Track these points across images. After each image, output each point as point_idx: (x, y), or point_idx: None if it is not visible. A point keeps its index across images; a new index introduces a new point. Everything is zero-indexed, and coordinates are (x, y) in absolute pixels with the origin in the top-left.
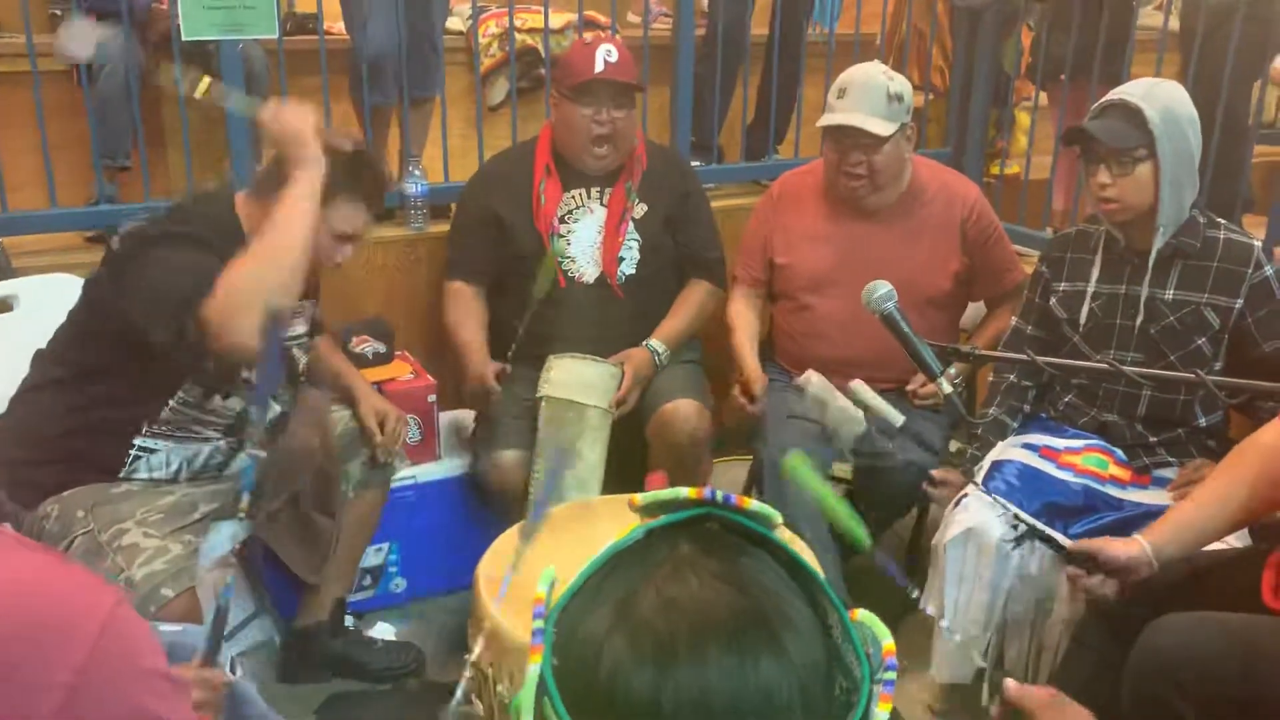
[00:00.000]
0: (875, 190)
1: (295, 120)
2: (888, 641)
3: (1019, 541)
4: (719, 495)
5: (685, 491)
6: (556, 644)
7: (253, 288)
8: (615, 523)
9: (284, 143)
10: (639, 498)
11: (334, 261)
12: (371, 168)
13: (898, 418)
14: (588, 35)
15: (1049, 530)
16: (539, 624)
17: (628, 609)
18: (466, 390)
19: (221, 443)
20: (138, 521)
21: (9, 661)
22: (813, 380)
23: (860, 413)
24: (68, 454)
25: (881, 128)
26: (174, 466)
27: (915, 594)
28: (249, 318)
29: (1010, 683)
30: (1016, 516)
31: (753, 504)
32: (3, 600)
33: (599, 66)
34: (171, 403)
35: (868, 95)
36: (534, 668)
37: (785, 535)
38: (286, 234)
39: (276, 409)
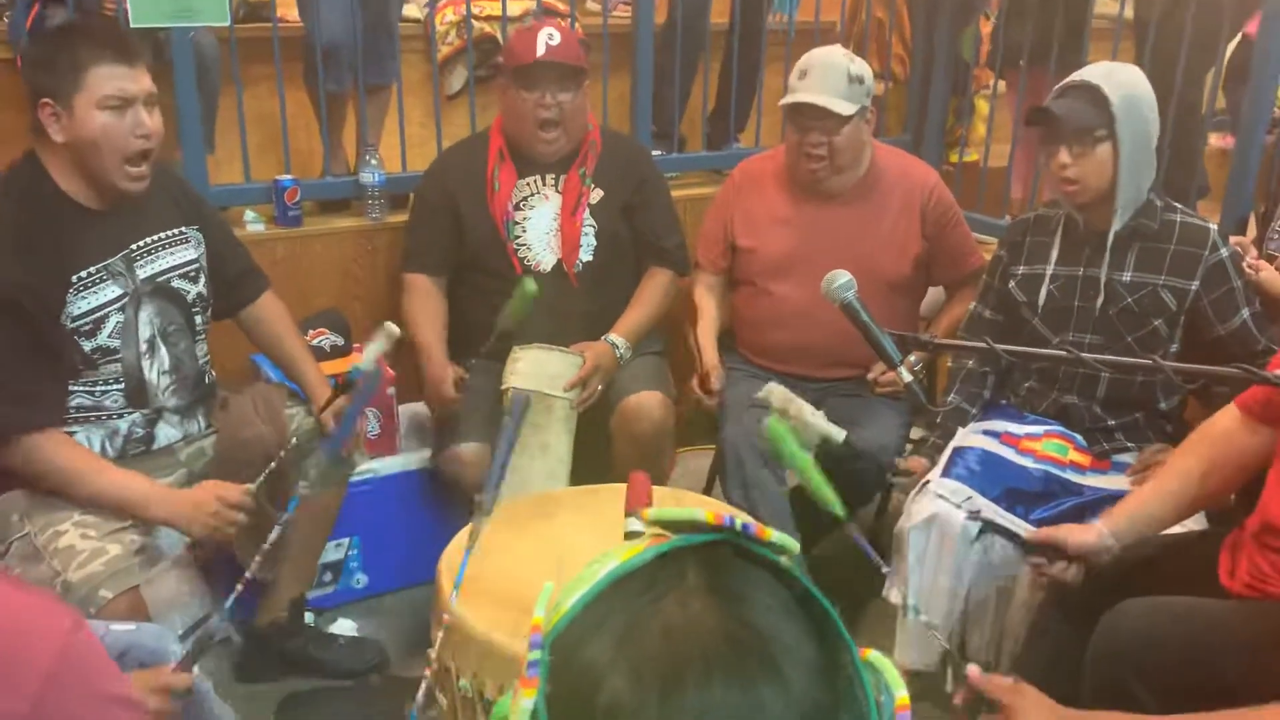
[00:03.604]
0: (835, 172)
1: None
2: (901, 694)
3: (980, 535)
4: (738, 523)
5: (703, 514)
6: (551, 668)
7: (45, 473)
8: (579, 515)
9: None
10: (650, 513)
11: (142, 142)
12: (87, 24)
13: (839, 433)
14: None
15: (1007, 520)
16: (535, 655)
17: (630, 640)
18: (425, 395)
19: (137, 415)
20: (75, 523)
21: None
22: (774, 392)
23: (837, 429)
24: None
25: (842, 108)
26: (96, 446)
27: (885, 569)
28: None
29: (974, 669)
30: (973, 514)
31: (773, 535)
32: None
33: (540, 50)
34: (75, 387)
35: (829, 76)
36: (528, 702)
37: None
38: (97, 492)
39: (166, 359)
